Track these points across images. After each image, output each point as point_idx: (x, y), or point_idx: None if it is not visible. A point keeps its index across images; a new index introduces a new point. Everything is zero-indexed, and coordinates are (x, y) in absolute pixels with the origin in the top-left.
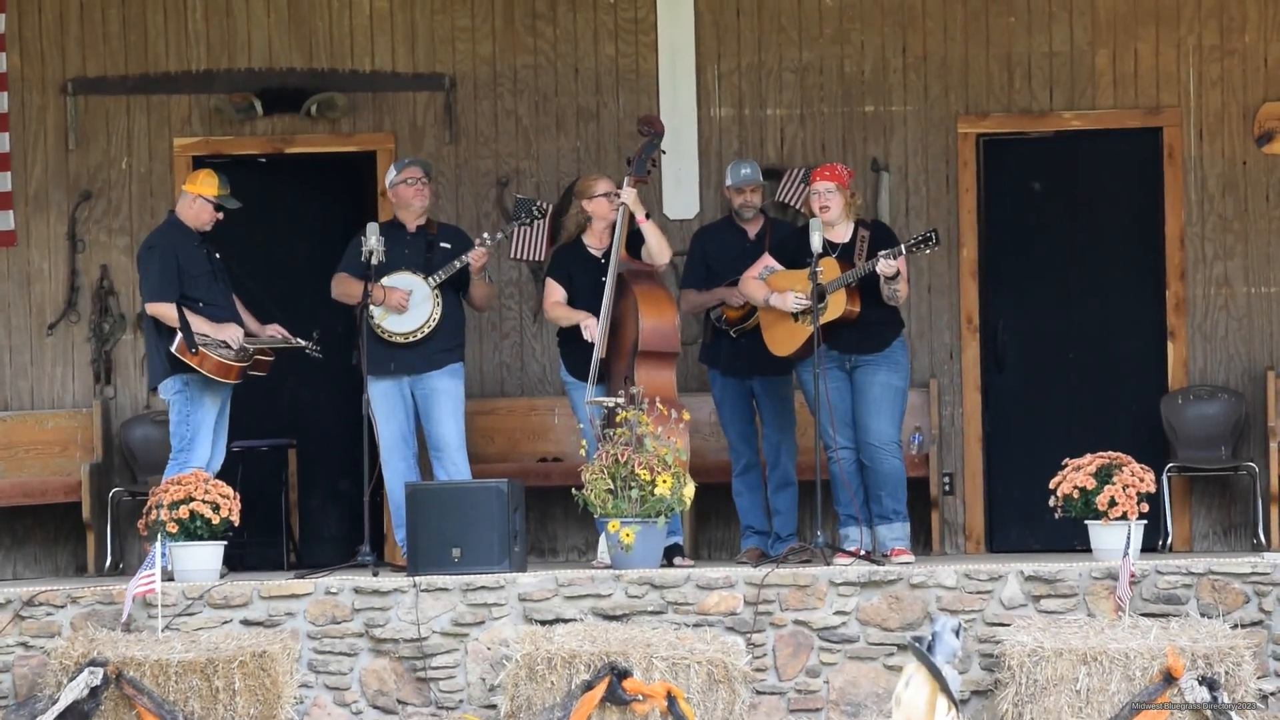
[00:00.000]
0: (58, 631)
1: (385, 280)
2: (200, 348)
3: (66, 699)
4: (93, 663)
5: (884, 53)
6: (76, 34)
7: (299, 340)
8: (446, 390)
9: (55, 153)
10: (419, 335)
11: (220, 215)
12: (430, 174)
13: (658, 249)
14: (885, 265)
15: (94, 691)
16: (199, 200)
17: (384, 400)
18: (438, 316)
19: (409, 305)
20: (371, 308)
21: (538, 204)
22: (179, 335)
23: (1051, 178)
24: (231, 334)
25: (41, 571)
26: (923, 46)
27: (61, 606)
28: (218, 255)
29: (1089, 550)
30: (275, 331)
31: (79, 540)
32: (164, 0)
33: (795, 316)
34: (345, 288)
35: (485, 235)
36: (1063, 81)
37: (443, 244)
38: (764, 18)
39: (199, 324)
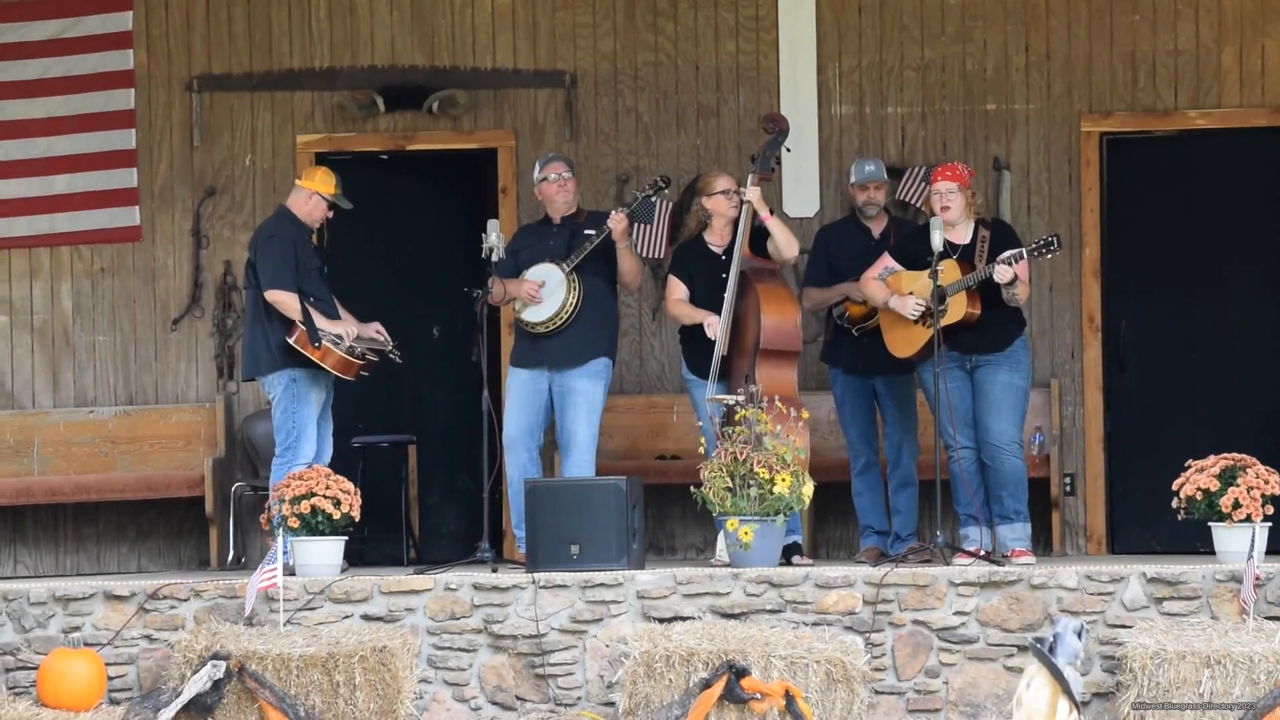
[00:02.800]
0: (181, 625)
1: (526, 273)
2: (324, 342)
3: (190, 691)
4: (215, 656)
5: (1006, 50)
6: (202, 32)
7: (387, 342)
8: (583, 391)
9: (180, 149)
10: (558, 322)
11: (331, 214)
12: (573, 168)
13: (785, 243)
14: (1001, 272)
15: (217, 684)
16: (315, 197)
17: (519, 390)
18: (573, 301)
19: (542, 294)
20: (514, 303)
21: (662, 177)
22: (298, 327)
23: (1176, 177)
24: (346, 328)
25: (165, 565)
26: (1046, 44)
27: (185, 600)
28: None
29: (1212, 552)
30: (374, 331)
31: (202, 534)
32: None
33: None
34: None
35: (620, 207)
36: (1188, 80)
37: (587, 231)
38: (885, 15)
39: (315, 317)
